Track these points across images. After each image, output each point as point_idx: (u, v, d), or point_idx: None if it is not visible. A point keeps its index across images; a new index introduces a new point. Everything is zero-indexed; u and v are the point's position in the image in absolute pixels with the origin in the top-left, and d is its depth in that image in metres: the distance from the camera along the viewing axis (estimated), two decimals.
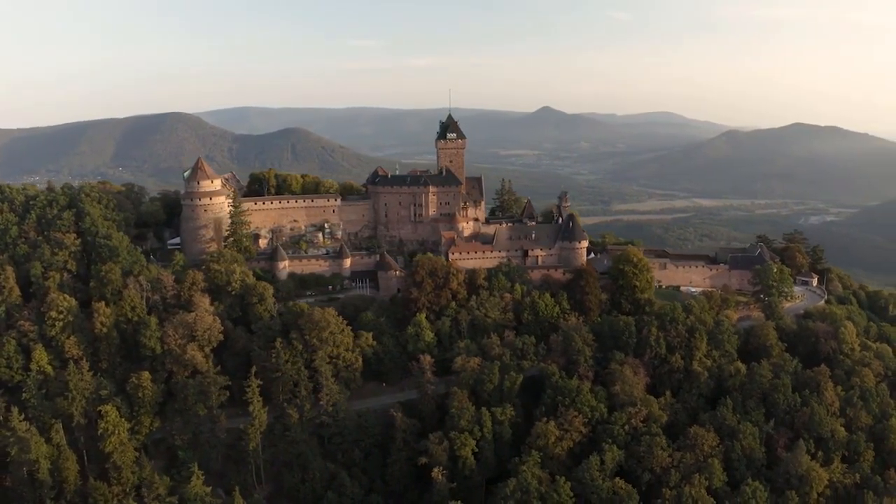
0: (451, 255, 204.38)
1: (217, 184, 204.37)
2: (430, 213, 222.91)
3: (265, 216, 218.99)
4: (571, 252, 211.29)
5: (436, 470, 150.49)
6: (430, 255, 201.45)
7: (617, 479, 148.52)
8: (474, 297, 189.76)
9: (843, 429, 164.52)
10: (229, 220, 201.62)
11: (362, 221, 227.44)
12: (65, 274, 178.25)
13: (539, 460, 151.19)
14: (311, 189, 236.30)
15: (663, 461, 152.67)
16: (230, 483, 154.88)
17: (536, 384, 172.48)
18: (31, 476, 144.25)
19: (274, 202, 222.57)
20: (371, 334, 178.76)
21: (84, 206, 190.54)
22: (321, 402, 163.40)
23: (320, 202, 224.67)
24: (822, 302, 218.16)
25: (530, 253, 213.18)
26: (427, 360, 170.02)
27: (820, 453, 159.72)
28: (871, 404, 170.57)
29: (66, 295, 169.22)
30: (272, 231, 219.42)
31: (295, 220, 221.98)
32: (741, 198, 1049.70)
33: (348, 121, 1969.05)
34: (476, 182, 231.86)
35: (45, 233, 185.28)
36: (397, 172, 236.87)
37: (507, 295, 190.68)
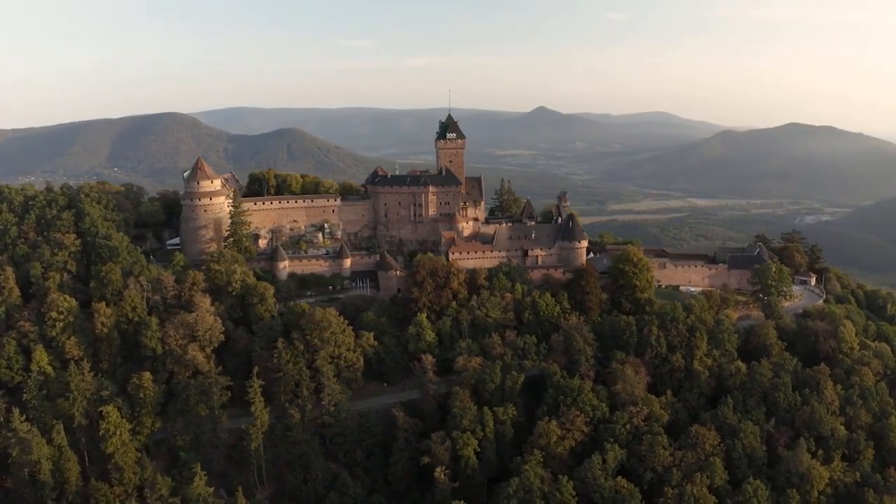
0: (451, 255, 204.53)
1: (217, 184, 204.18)
2: (430, 213, 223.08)
3: (265, 216, 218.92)
4: (571, 252, 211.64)
5: (438, 469, 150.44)
6: (430, 255, 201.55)
7: (619, 478, 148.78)
8: (475, 296, 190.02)
9: (843, 427, 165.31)
10: (229, 221, 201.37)
11: (362, 221, 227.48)
12: (65, 274, 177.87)
13: (541, 459, 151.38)
14: (311, 189, 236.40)
15: (665, 460, 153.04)
16: (232, 483, 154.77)
17: (538, 384, 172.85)
18: (32, 477, 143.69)
19: (274, 202, 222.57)
20: (372, 334, 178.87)
21: (83, 207, 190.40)
22: (323, 403, 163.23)
23: (320, 202, 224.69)
24: (821, 301, 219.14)
25: (530, 253, 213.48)
26: (429, 359, 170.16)
27: (820, 452, 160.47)
28: (870, 403, 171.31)
29: (66, 295, 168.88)
30: (272, 231, 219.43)
31: (295, 221, 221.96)
32: (736, 198, 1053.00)
33: (344, 121, 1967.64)
34: (476, 182, 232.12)
35: (45, 233, 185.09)
36: (397, 172, 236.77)
37: (508, 295, 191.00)
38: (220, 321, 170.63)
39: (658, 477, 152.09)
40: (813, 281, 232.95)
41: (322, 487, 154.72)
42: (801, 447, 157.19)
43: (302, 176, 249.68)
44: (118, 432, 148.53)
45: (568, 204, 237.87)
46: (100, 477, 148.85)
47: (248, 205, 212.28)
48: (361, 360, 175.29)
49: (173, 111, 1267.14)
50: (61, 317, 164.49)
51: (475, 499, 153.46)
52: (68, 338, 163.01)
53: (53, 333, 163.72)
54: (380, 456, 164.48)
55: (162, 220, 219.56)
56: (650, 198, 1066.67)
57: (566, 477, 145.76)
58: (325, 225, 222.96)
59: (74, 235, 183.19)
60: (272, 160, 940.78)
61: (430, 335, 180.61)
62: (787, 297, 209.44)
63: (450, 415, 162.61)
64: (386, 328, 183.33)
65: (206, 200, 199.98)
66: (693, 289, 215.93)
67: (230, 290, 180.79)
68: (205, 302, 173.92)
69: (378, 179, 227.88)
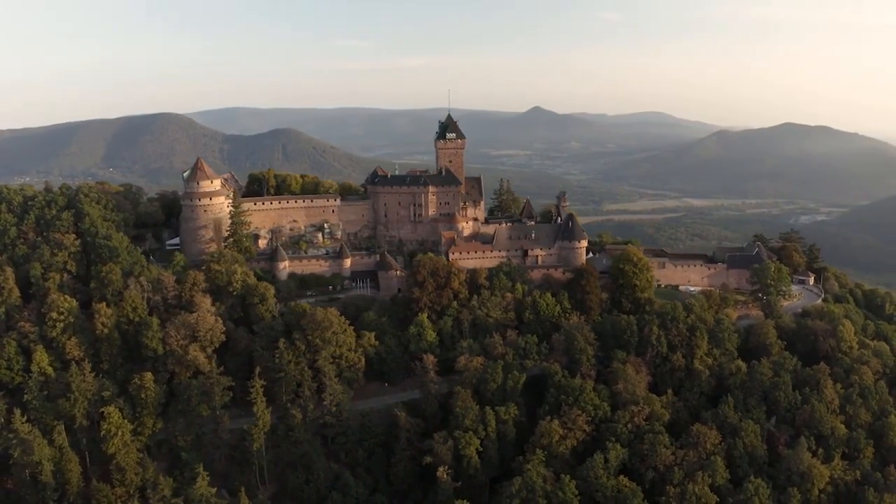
0: (451, 255, 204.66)
1: (217, 184, 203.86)
2: (430, 213, 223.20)
3: (264, 216, 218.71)
4: (571, 251, 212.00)
5: (440, 469, 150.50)
6: (431, 255, 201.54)
7: (621, 477, 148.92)
8: (476, 296, 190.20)
9: (843, 426, 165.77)
10: (229, 221, 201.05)
11: (362, 221, 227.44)
12: (65, 275, 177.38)
13: (543, 459, 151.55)
14: (311, 189, 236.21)
15: (666, 459, 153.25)
16: (234, 484, 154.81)
17: (539, 383, 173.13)
18: (33, 478, 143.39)
19: (273, 202, 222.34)
20: (373, 334, 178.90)
21: (83, 207, 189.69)
22: (325, 403, 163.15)
23: (320, 202, 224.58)
24: (820, 301, 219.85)
25: (530, 253, 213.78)
26: (430, 359, 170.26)
27: (821, 450, 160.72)
28: (870, 402, 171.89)
29: (66, 296, 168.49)
30: (272, 231, 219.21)
31: (294, 221, 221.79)
32: (732, 197, 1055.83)
33: (339, 121, 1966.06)
34: (475, 182, 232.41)
35: (45, 233, 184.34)
36: (396, 173, 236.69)
37: (509, 294, 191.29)
38: (220, 321, 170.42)
39: (660, 476, 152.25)
40: (811, 280, 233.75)
41: (324, 487, 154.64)
42: (802, 446, 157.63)
43: (301, 176, 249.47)
44: (119, 433, 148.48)
45: (567, 204, 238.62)
46: (101, 478, 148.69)
47: (247, 205, 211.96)
48: (363, 360, 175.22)
49: (169, 111, 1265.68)
50: (61, 317, 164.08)
51: (477, 498, 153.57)
52: (69, 338, 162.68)
53: (54, 334, 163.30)
54: (381, 456, 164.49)
55: (161, 220, 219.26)
56: (646, 198, 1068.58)
57: (568, 476, 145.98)
58: (325, 225, 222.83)
59: (74, 236, 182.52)
60: (268, 160, 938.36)
61: (431, 335, 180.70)
62: (786, 297, 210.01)
63: (452, 414, 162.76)
64: (387, 328, 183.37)
65: (205, 200, 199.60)
66: (692, 288, 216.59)
67: (231, 290, 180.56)
68: (205, 302, 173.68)
69: (378, 179, 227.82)
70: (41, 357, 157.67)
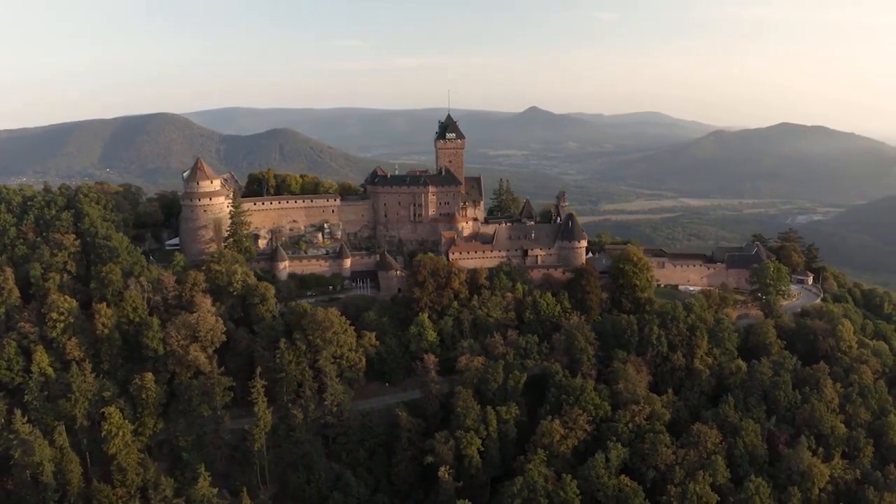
0: (451, 255, 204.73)
1: (217, 184, 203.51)
2: (430, 213, 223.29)
3: (264, 216, 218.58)
4: (571, 251, 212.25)
5: (442, 469, 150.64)
6: (431, 255, 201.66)
7: (622, 476, 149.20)
8: (476, 296, 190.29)
9: (842, 425, 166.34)
10: (229, 221, 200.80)
11: (362, 221, 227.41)
12: (64, 275, 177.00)
13: (545, 459, 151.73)
14: (311, 189, 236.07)
15: (667, 458, 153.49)
16: (235, 484, 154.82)
17: (539, 383, 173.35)
18: (34, 479, 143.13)
19: (273, 202, 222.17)
20: (374, 334, 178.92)
21: (83, 207, 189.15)
22: (326, 403, 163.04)
23: (320, 202, 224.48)
24: (819, 300, 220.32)
25: (530, 252, 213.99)
26: (431, 359, 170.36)
27: (821, 449, 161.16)
28: (869, 401, 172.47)
29: (66, 296, 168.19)
30: (271, 231, 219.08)
31: (294, 221, 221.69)
32: (729, 197, 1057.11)
33: (336, 121, 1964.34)
34: (475, 182, 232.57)
35: (44, 234, 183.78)
36: (396, 172, 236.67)
37: (509, 294, 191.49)
38: (221, 322, 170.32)
39: (661, 475, 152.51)
40: (810, 280, 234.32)
41: (325, 487, 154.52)
42: (802, 445, 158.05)
43: (301, 176, 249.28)
44: (120, 433, 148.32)
45: (567, 204, 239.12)
46: (102, 478, 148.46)
47: (247, 205, 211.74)
48: (363, 360, 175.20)
49: (166, 111, 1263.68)
50: (62, 318, 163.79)
51: (478, 498, 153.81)
52: (69, 339, 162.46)
53: (54, 334, 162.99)
54: (383, 456, 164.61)
55: (160, 220, 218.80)
56: (642, 198, 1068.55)
57: (570, 476, 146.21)
58: (325, 225, 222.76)
59: (74, 236, 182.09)
60: (265, 160, 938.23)
61: (431, 335, 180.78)
62: (786, 297, 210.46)
63: (453, 414, 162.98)
64: (387, 328, 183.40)
65: (205, 200, 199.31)
66: (692, 288, 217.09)
67: (231, 290, 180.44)
68: (206, 302, 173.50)
69: (378, 179, 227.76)
70: (41, 357, 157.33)
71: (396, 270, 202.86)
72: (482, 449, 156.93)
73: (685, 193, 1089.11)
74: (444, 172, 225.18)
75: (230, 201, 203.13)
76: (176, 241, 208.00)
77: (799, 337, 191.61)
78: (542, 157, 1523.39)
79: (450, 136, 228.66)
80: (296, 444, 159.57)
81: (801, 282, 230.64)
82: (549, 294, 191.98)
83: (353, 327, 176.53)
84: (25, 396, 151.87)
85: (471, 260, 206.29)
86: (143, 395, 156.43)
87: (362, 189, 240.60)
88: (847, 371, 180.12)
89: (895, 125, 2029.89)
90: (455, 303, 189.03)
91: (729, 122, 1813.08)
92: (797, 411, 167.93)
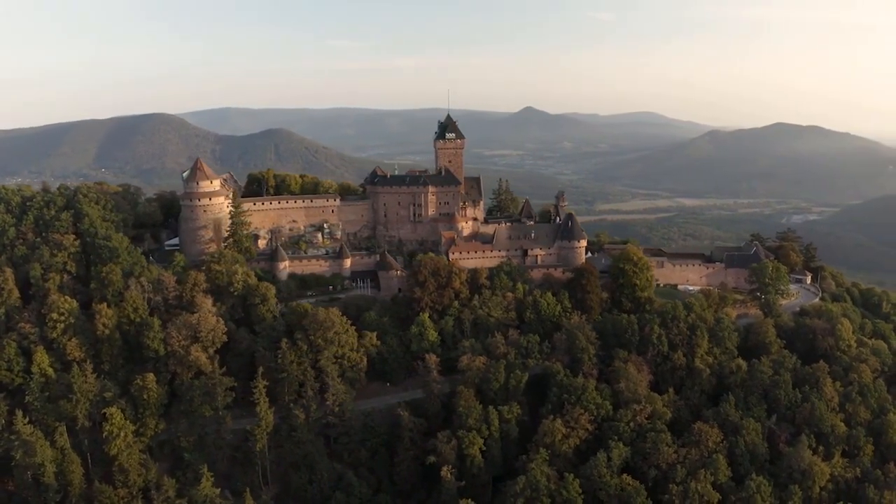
0: (451, 255, 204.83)
1: (216, 184, 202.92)
2: (430, 213, 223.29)
3: (264, 216, 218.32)
4: (571, 251, 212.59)
5: (445, 469, 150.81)
6: (431, 254, 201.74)
7: (624, 475, 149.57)
8: (477, 296, 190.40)
9: (842, 424, 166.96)
10: (229, 221, 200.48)
11: (361, 221, 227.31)
12: (64, 275, 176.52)
13: (547, 458, 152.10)
14: (310, 189, 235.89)
15: (669, 457, 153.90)
16: (236, 484, 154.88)
17: (541, 382, 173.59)
18: (35, 480, 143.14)
19: (273, 202, 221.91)
20: (375, 334, 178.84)
21: (82, 207, 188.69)
22: (327, 403, 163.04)
23: (319, 202, 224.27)
24: (817, 299, 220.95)
25: (530, 252, 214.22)
26: (433, 359, 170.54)
27: (821, 448, 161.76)
28: (869, 400, 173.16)
29: (66, 297, 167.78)
30: (271, 232, 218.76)
31: (294, 221, 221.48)
32: (724, 197, 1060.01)
33: (331, 121, 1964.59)
34: (475, 182, 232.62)
35: (44, 234, 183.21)
36: (396, 172, 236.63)
37: (510, 294, 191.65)
38: (222, 322, 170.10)
39: (662, 474, 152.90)
40: (808, 279, 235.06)
41: (327, 487, 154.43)
42: (803, 444, 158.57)
43: (301, 176, 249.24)
44: (122, 434, 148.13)
45: (566, 203, 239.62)
46: (103, 479, 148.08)
47: (247, 205, 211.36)
48: (365, 360, 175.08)
49: (161, 112, 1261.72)
50: (62, 318, 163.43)
51: (480, 498, 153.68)
52: (69, 339, 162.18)
53: (54, 335, 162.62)
54: (384, 456, 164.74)
55: (159, 220, 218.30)
56: (638, 197, 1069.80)
57: (572, 475, 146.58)
58: (325, 225, 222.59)
59: (73, 236, 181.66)
60: (260, 161, 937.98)
61: (432, 335, 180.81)
62: (785, 296, 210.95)
63: (455, 414, 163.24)
64: (388, 328, 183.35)
65: (205, 201, 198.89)
66: (691, 287, 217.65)
67: (232, 290, 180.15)
68: (206, 303, 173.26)
69: (377, 179, 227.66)
70: (41, 358, 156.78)
71: (397, 270, 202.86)
72: (484, 448, 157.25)
73: (681, 193, 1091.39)
74: (443, 172, 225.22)
75: (230, 201, 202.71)
76: (175, 241, 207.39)
77: (798, 336, 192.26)
78: (537, 157, 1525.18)
79: (449, 136, 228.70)
80: (297, 445, 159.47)
81: (799, 281, 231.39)
82: (549, 294, 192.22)
83: (354, 327, 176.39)
84: (26, 397, 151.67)
85: (471, 260, 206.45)
86: (145, 396, 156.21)
87: (361, 189, 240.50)
88: (846, 370, 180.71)
89: (890, 125, 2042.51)
90: (456, 302, 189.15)
91: (724, 122, 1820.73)
92: (797, 410, 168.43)
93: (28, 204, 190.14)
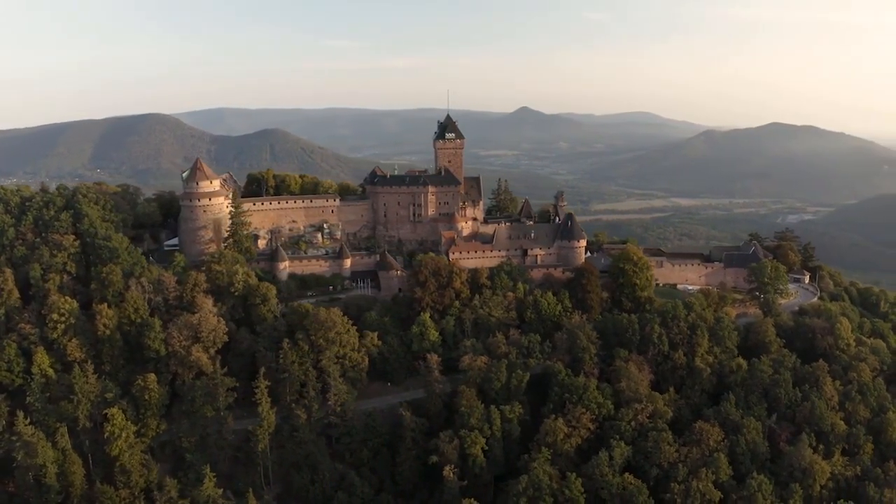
0: (451, 255, 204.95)
1: (216, 184, 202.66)
2: (430, 213, 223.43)
3: (264, 217, 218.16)
4: (571, 251, 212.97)
5: (447, 468, 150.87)
6: (431, 254, 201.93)
7: (626, 474, 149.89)
8: (477, 296, 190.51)
9: (842, 422, 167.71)
10: (229, 221, 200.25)
11: (361, 221, 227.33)
12: (64, 276, 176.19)
13: (549, 457, 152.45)
14: (310, 189, 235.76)
15: (670, 456, 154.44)
16: (238, 485, 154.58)
17: (542, 382, 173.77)
18: (37, 481, 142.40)
19: (272, 203, 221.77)
20: (376, 334, 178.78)
21: (82, 208, 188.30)
22: (329, 403, 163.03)
23: (319, 202, 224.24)
24: (816, 299, 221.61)
25: (529, 252, 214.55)
26: (434, 358, 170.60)
27: (821, 446, 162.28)
28: (868, 398, 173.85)
29: (67, 297, 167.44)
30: (271, 232, 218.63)
31: (294, 221, 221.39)
32: (719, 197, 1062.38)
33: (326, 122, 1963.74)
34: (474, 182, 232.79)
35: (43, 234, 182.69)
36: (396, 172, 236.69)
37: (510, 294, 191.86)
38: (223, 322, 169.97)
39: (664, 473, 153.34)
40: (806, 279, 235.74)
41: (329, 487, 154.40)
42: (803, 442, 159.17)
43: (301, 176, 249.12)
44: (123, 435, 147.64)
45: (565, 203, 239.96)
46: (104, 480, 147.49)
47: (247, 205, 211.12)
48: (366, 359, 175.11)
49: (156, 112, 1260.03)
50: (62, 319, 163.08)
51: (483, 497, 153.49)
52: (70, 340, 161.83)
53: (55, 335, 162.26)
54: (386, 455, 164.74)
55: (158, 220, 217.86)
56: (633, 197, 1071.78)
57: (574, 474, 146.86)
58: (325, 225, 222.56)
59: (73, 236, 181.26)
60: (255, 161, 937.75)
61: (433, 335, 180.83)
62: (783, 295, 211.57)
63: (457, 413, 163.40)
64: (389, 328, 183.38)
65: (205, 201, 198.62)
66: (691, 287, 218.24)
67: (232, 290, 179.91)
68: (207, 303, 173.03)
69: (377, 179, 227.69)
70: (42, 359, 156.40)
71: (397, 270, 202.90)
72: (486, 448, 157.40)
73: (676, 193, 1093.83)
74: (443, 172, 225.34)
75: (230, 202, 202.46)
76: (175, 241, 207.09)
77: (798, 335, 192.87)
78: (532, 157, 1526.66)
79: (449, 136, 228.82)
80: (299, 445, 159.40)
81: (797, 280, 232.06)
82: (549, 293, 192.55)
83: (355, 327, 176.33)
84: (27, 398, 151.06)
85: (471, 260, 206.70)
86: (146, 397, 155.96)
87: (361, 189, 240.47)
88: (846, 369, 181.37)
89: (885, 125, 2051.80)
90: (457, 302, 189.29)
91: (719, 122, 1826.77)
92: (797, 409, 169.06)
93: (27, 204, 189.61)
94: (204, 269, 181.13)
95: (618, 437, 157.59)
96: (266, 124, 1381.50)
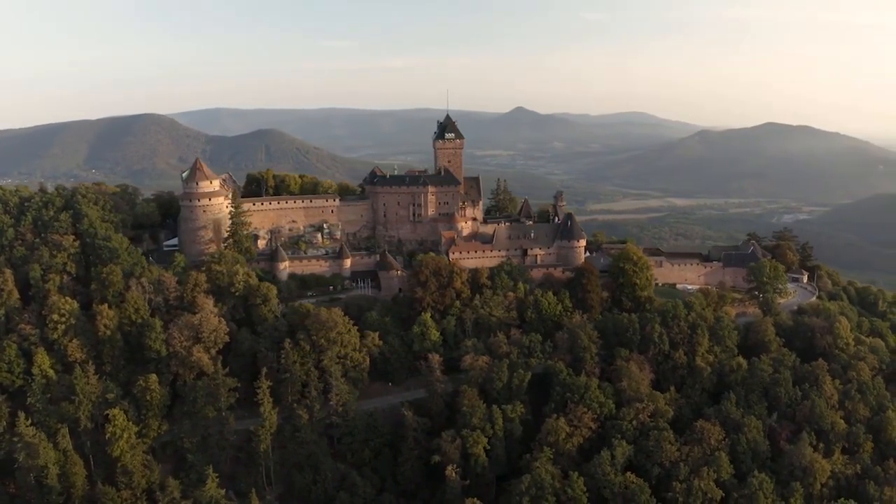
0: (451, 255, 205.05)
1: (216, 184, 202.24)
2: (429, 213, 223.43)
3: (263, 217, 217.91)
4: (570, 251, 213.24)
5: (450, 468, 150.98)
6: (432, 254, 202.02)
7: (628, 473, 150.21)
8: (478, 295, 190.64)
9: (842, 421, 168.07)
10: (229, 221, 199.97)
11: (361, 221, 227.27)
12: (64, 276, 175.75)
13: (551, 456, 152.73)
14: (310, 189, 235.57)
15: (672, 455, 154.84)
16: (240, 485, 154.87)
17: (543, 381, 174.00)
18: (38, 482, 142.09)
19: (272, 203, 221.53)
20: (377, 334, 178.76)
21: (81, 208, 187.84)
22: (331, 403, 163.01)
23: (319, 202, 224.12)
24: (814, 298, 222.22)
25: (529, 252, 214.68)
26: (436, 358, 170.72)
27: (821, 445, 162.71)
28: (868, 397, 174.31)
29: (67, 297, 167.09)
30: (270, 232, 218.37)
31: (293, 221, 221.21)
32: (714, 197, 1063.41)
33: (322, 122, 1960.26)
34: (474, 182, 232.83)
35: (43, 235, 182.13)
36: (395, 172, 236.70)
37: (511, 294, 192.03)
38: (224, 322, 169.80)
39: (666, 472, 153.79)
40: (805, 278, 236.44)
41: (331, 487, 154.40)
42: (804, 441, 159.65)
43: (300, 176, 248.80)
44: (125, 435, 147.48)
45: (564, 203, 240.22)
46: (106, 481, 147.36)
47: (246, 205, 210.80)
48: (367, 359, 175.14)
49: (151, 112, 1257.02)
50: (63, 319, 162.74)
51: (485, 496, 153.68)
52: (70, 340, 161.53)
53: (55, 336, 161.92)
54: (388, 455, 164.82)
55: (158, 221, 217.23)
56: (629, 197, 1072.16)
57: (576, 473, 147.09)
58: (324, 225, 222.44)
59: (73, 237, 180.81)
60: (251, 161, 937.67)
61: (434, 334, 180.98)
62: (782, 295, 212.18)
63: (459, 413, 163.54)
64: (390, 328, 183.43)
65: (205, 201, 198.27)
66: (690, 287, 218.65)
67: (233, 291, 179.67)
68: (208, 303, 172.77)
69: (377, 179, 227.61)
70: (42, 359, 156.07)
71: (397, 270, 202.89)
72: (488, 447, 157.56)
73: (671, 193, 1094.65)
74: (443, 172, 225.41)
75: (230, 202, 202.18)
76: (174, 241, 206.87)
77: (797, 334, 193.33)
78: (528, 157, 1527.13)
79: (449, 136, 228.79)
80: (301, 445, 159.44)
81: (795, 280, 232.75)
82: (550, 293, 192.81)
83: (356, 327, 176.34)
84: (28, 399, 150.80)
85: (471, 260, 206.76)
86: (147, 397, 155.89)
87: (360, 189, 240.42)
88: (845, 368, 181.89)
89: (880, 125, 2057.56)
90: (457, 302, 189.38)
91: (714, 122, 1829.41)
92: (798, 408, 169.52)
93: (26, 204, 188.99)
94: (204, 269, 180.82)
95: (619, 436, 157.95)
96: (262, 124, 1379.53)
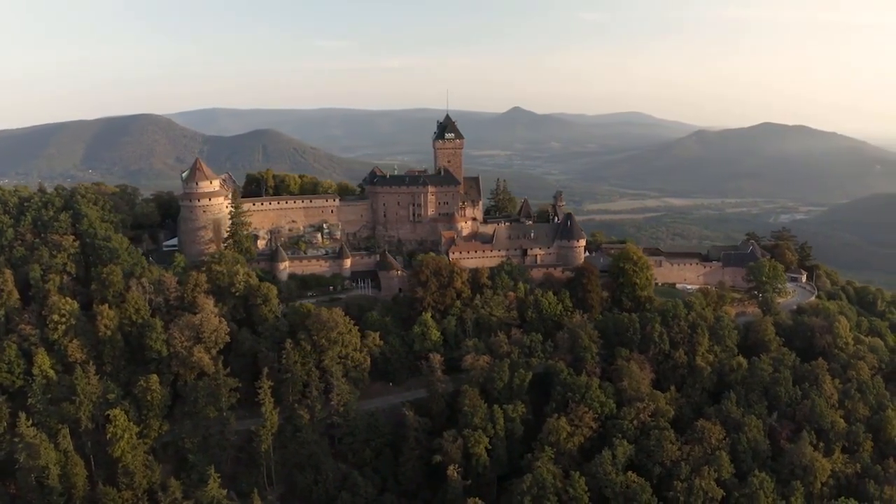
0: (451, 255, 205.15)
1: (216, 184, 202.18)
2: (429, 213, 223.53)
3: (263, 217, 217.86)
4: (570, 251, 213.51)
5: (451, 468, 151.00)
6: (432, 254, 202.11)
7: (629, 472, 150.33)
8: (478, 295, 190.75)
9: (842, 420, 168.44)
10: (229, 221, 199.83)
11: (361, 221, 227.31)
12: (64, 276, 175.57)
13: (552, 456, 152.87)
14: (310, 189, 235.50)
15: (673, 454, 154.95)
16: (241, 485, 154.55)
17: (544, 381, 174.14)
18: (39, 483, 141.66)
19: (272, 203, 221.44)
20: (378, 334, 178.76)
21: (81, 208, 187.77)
22: (332, 403, 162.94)
23: (319, 202, 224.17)
24: (814, 298, 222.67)
25: (529, 252, 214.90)
26: (437, 358, 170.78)
27: (821, 444, 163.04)
28: (867, 396, 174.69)
29: (67, 298, 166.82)
30: (270, 232, 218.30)
31: (293, 221, 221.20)
32: (711, 197, 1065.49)
33: (319, 122, 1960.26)
34: (474, 182, 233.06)
35: (42, 235, 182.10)
36: (395, 172, 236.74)
37: (511, 293, 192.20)
38: (224, 322, 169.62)
39: (667, 471, 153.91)
40: (804, 278, 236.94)
41: (333, 487, 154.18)
42: (804, 440, 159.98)
43: (300, 176, 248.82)
44: (126, 436, 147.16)
45: (564, 203, 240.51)
46: (107, 481, 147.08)
47: (246, 205, 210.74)
48: (368, 359, 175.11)
49: (148, 112, 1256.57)
50: (63, 319, 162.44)
51: (486, 496, 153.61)
52: (70, 341, 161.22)
53: (55, 336, 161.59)
54: (389, 455, 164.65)
55: (157, 221, 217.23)
56: (626, 197, 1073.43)
57: (578, 473, 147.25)
58: (324, 225, 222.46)
59: (73, 237, 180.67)
60: (248, 161, 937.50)
61: (435, 334, 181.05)
62: (782, 294, 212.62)
63: (460, 413, 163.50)
64: (390, 328, 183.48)
65: (205, 201, 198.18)
66: (689, 286, 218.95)
67: (233, 291, 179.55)
68: (208, 303, 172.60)
69: (377, 179, 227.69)
70: (43, 360, 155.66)
71: (397, 270, 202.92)
72: (489, 447, 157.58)
73: (668, 193, 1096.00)
74: (442, 172, 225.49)
75: (229, 202, 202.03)
76: (174, 241, 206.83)
77: (797, 334, 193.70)
78: (525, 157, 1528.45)
79: (448, 136, 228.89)
80: (302, 445, 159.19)
81: (794, 279, 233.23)
82: (550, 293, 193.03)
83: (356, 327, 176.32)
84: (28, 399, 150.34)
85: (471, 259, 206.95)
86: (148, 397, 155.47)
87: (360, 189, 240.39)
88: (845, 367, 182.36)
89: (876, 125, 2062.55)
90: (458, 302, 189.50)
91: (711, 122, 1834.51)
92: (798, 407, 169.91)
93: (25, 205, 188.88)
94: (204, 269, 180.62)
95: (620, 435, 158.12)
96: (259, 124, 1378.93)
